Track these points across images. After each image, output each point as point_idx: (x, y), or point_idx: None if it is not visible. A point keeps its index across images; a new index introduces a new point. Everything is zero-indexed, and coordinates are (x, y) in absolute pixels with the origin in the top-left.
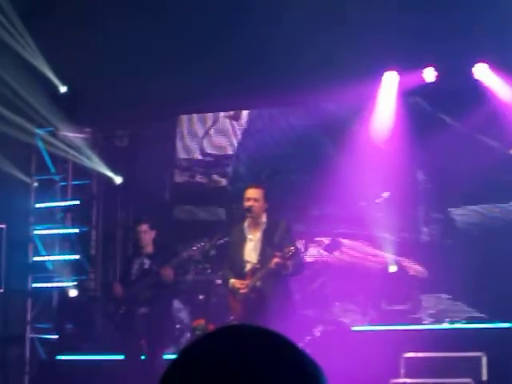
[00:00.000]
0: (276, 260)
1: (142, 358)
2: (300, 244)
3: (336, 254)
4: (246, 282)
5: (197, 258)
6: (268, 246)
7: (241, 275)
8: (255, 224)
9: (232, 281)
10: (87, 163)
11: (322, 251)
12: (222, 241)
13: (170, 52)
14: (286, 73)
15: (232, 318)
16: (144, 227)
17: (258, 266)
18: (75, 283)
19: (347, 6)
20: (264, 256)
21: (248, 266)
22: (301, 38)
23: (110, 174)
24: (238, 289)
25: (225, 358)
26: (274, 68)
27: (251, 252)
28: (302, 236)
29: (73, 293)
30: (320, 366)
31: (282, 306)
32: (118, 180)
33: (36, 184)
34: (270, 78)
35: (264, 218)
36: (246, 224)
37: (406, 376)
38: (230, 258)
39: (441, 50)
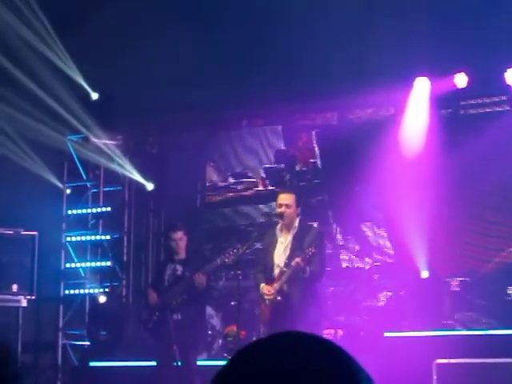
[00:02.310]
0: (297, 260)
1: (175, 364)
2: (328, 250)
3: (367, 260)
4: (274, 286)
5: (229, 263)
6: (297, 250)
7: (271, 279)
8: (287, 228)
9: (262, 285)
10: (119, 170)
11: (353, 257)
12: (254, 246)
13: (201, 60)
14: (318, 79)
15: (261, 324)
16: (180, 234)
17: (284, 269)
18: (105, 290)
19: (379, 14)
20: (291, 259)
21: (277, 270)
22: (333, 44)
23: (141, 180)
24: (265, 294)
25: (278, 362)
26: (306, 75)
27: (281, 255)
28: (334, 242)
29: (102, 299)
30: (368, 372)
31: (310, 311)
32: (150, 186)
33: (68, 191)
34: (300, 84)
35: (296, 223)
36: (278, 227)
37: (439, 382)
38: (262, 262)
39: (472, 56)
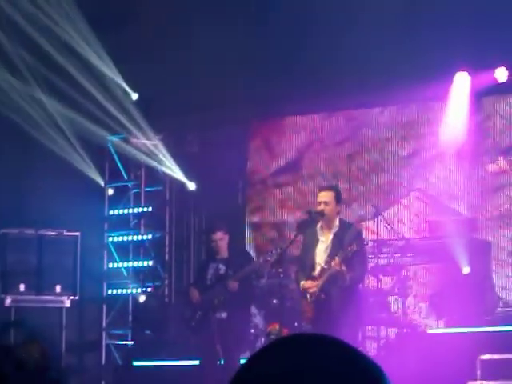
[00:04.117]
0: (336, 261)
1: (218, 362)
2: (370, 248)
3: (409, 255)
4: (316, 283)
5: (271, 262)
6: (338, 248)
7: (311, 277)
8: (328, 227)
9: (302, 283)
10: (160, 169)
11: (395, 254)
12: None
13: (240, 57)
14: (357, 75)
15: (304, 322)
16: (219, 235)
17: (325, 267)
18: (146, 289)
19: (417, 7)
20: (332, 259)
21: (318, 268)
22: (371, 39)
23: (182, 179)
24: (308, 289)
25: (288, 367)
26: (345, 69)
27: (322, 254)
28: (375, 239)
29: (142, 298)
30: (383, 369)
31: (350, 309)
32: (191, 185)
33: (111, 191)
34: (340, 79)
35: (337, 221)
36: (318, 226)
37: (483, 378)
38: (301, 260)
39: None
